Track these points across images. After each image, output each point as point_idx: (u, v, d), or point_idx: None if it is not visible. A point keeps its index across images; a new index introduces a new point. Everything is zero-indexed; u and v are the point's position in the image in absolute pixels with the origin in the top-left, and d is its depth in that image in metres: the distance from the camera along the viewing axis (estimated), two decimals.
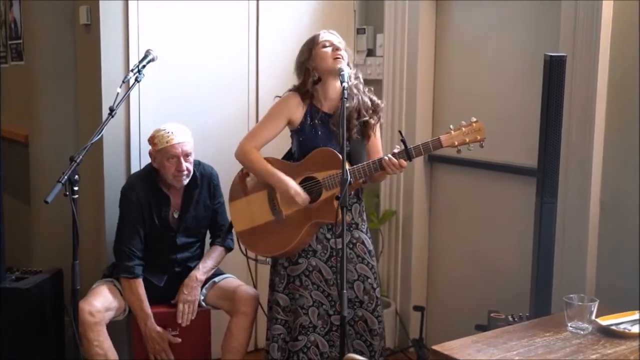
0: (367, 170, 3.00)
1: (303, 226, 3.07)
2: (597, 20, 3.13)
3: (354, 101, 3.11)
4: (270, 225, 3.16)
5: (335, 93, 3.12)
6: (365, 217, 3.26)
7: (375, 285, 3.18)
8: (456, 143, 2.91)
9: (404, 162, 2.95)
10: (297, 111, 3.15)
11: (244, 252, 3.32)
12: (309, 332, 3.17)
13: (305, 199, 3.06)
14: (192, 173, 3.40)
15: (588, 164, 3.20)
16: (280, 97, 3.24)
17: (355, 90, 3.13)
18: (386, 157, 2.96)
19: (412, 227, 4.18)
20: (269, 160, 3.17)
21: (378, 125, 3.24)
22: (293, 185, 3.07)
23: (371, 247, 3.22)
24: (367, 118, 3.14)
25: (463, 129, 2.91)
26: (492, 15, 3.81)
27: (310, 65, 3.12)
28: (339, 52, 3.07)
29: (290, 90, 3.21)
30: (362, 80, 3.21)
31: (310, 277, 3.16)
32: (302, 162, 3.14)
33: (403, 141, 2.92)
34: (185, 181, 3.38)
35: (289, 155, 3.29)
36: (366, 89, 3.20)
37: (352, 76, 3.10)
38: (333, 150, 3.05)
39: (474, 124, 2.91)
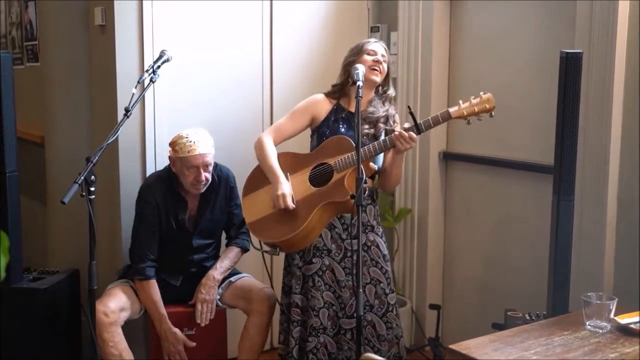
0: (378, 149, 3.02)
1: (313, 209, 3.04)
2: (613, 18, 3.10)
3: (382, 111, 3.19)
4: (280, 213, 3.13)
5: (364, 97, 3.15)
6: (379, 220, 3.26)
7: (387, 291, 3.17)
8: (465, 113, 2.94)
9: (413, 135, 2.97)
10: (323, 110, 3.23)
11: (256, 245, 3.33)
12: (319, 334, 3.17)
13: (285, 205, 3.05)
14: (210, 182, 3.39)
15: (605, 161, 3.17)
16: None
17: (385, 100, 3.22)
18: (396, 132, 2.99)
19: (428, 225, 4.17)
20: (282, 154, 3.21)
21: None
22: (283, 187, 3.09)
23: (386, 252, 3.22)
24: (394, 128, 3.18)
25: (472, 100, 2.95)
26: (507, 12, 3.79)
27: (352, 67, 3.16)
28: (378, 65, 3.16)
29: (324, 93, 3.29)
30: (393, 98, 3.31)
31: (323, 277, 3.17)
32: (314, 152, 3.19)
33: (411, 114, 2.97)
34: (203, 189, 3.38)
35: None
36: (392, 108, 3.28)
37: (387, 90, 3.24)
38: (345, 136, 3.09)
39: (482, 96, 2.95)
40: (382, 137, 3.14)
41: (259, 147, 3.23)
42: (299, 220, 3.07)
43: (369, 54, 3.17)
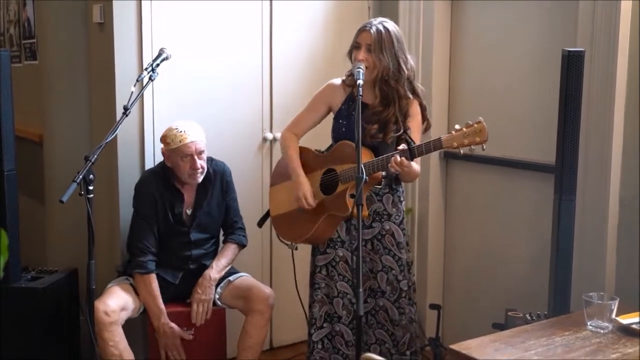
0: (377, 167, 2.98)
1: (319, 218, 3.11)
2: (615, 16, 3.09)
3: (391, 107, 3.08)
4: (294, 214, 3.21)
5: (371, 91, 3.10)
6: (401, 207, 3.24)
7: (400, 277, 3.18)
8: (455, 144, 2.81)
9: (405, 161, 2.89)
10: (337, 98, 3.20)
11: (283, 239, 3.35)
12: (333, 321, 3.20)
13: (307, 205, 3.11)
14: (206, 170, 3.39)
15: (607, 160, 3.16)
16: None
17: (394, 95, 3.08)
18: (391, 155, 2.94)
19: (428, 224, 4.15)
20: (302, 150, 3.24)
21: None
22: (304, 189, 3.13)
23: (401, 239, 3.20)
24: (400, 133, 3.09)
25: (464, 129, 2.81)
26: (508, 12, 3.77)
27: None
28: (359, 60, 2.99)
29: (342, 79, 3.22)
30: (416, 89, 3.14)
31: (337, 267, 3.19)
32: (327, 154, 3.19)
33: (406, 140, 2.92)
34: (200, 178, 3.38)
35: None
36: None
37: (398, 74, 3.05)
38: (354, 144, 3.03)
39: (475, 125, 2.79)
40: (394, 140, 3.11)
41: (282, 142, 3.31)
42: (307, 226, 3.14)
43: (355, 48, 3.07)
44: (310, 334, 3.26)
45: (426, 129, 3.23)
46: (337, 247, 3.19)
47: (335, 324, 3.20)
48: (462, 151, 2.83)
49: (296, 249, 3.31)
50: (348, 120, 3.14)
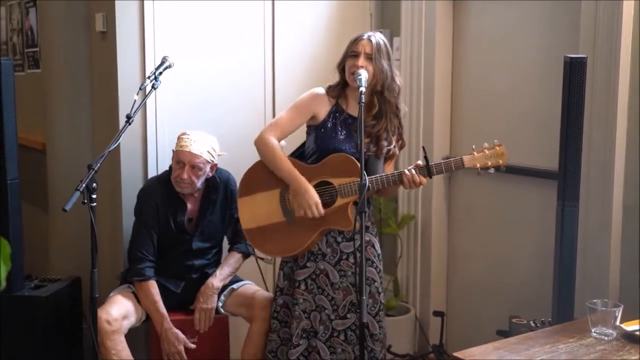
0: (386, 182, 2.96)
1: (314, 231, 3.03)
2: (617, 20, 3.08)
3: (383, 121, 3.06)
4: (280, 226, 3.10)
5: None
6: (373, 220, 3.24)
7: (380, 290, 3.14)
8: (478, 165, 2.92)
9: (423, 179, 2.93)
10: (323, 108, 3.11)
11: (252, 250, 3.32)
12: (310, 337, 3.12)
13: (319, 214, 2.99)
14: (196, 185, 3.37)
15: (610, 166, 3.15)
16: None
17: (387, 108, 3.06)
18: (406, 172, 2.92)
19: (431, 231, 4.15)
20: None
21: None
22: (315, 197, 3.00)
23: (379, 251, 3.19)
24: (392, 146, 3.09)
25: (486, 151, 2.92)
26: (511, 15, 3.77)
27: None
28: (357, 69, 2.95)
29: (325, 89, 3.15)
30: (402, 108, 3.14)
31: (317, 280, 3.11)
32: (318, 165, 3.07)
33: (426, 158, 2.92)
34: (185, 190, 3.36)
35: (299, 152, 3.24)
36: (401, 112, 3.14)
37: (389, 91, 3.04)
38: (352, 157, 2.99)
39: (497, 148, 2.92)
40: (385, 154, 3.10)
41: (266, 147, 3.08)
42: (298, 240, 3.05)
43: (351, 56, 3.02)
44: (277, 351, 3.21)
45: (401, 147, 3.21)
46: (317, 260, 3.11)
47: (311, 340, 3.12)
48: (480, 172, 2.94)
49: (272, 263, 3.27)
50: (333, 132, 3.08)
